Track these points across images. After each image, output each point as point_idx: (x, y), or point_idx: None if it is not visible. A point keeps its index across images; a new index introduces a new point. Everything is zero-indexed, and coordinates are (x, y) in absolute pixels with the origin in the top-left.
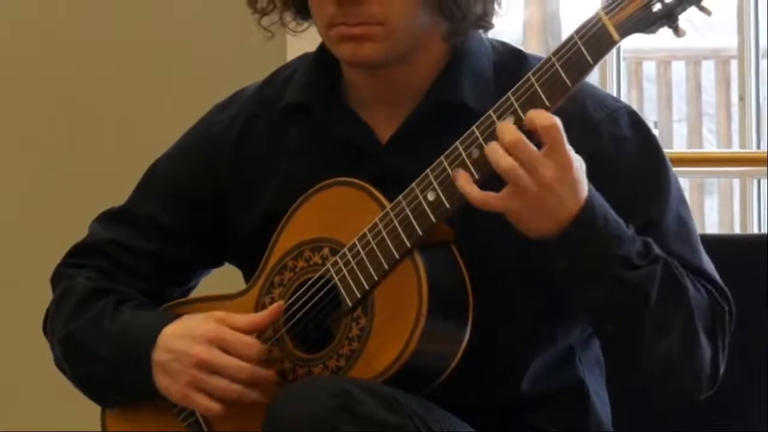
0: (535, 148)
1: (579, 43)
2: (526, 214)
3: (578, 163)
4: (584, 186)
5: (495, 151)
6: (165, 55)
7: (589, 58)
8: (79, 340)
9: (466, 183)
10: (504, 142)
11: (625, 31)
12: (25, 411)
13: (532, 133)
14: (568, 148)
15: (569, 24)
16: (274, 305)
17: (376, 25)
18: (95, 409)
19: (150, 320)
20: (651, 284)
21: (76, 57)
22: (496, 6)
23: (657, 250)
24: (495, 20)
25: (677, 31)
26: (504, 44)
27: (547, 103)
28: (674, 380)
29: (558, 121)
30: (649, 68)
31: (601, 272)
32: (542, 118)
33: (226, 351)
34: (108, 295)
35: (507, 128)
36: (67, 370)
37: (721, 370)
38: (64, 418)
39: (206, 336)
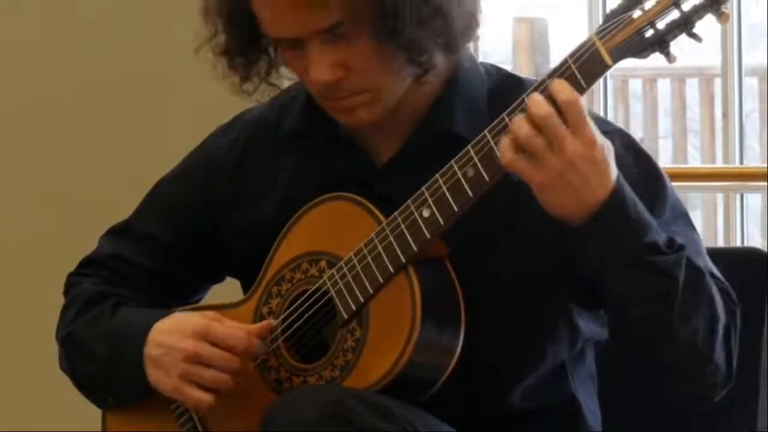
0: (562, 124)
1: (573, 66)
2: (549, 190)
3: (604, 145)
4: (611, 170)
5: (519, 123)
6: (169, 78)
7: (582, 82)
8: (78, 339)
9: (506, 146)
10: (531, 114)
11: (618, 55)
12: (25, 411)
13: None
14: (593, 128)
15: (557, 43)
16: (266, 322)
17: (363, 93)
18: (95, 409)
19: (143, 317)
20: (679, 271)
21: (80, 76)
22: (468, 34)
23: (679, 240)
24: (470, 42)
25: (668, 56)
26: (499, 70)
27: None
28: (694, 373)
29: (579, 97)
30: (635, 85)
31: (631, 258)
32: (564, 92)
33: (214, 344)
34: (109, 298)
35: (537, 101)
36: (68, 371)
37: (733, 372)
38: (64, 418)
39: (195, 330)
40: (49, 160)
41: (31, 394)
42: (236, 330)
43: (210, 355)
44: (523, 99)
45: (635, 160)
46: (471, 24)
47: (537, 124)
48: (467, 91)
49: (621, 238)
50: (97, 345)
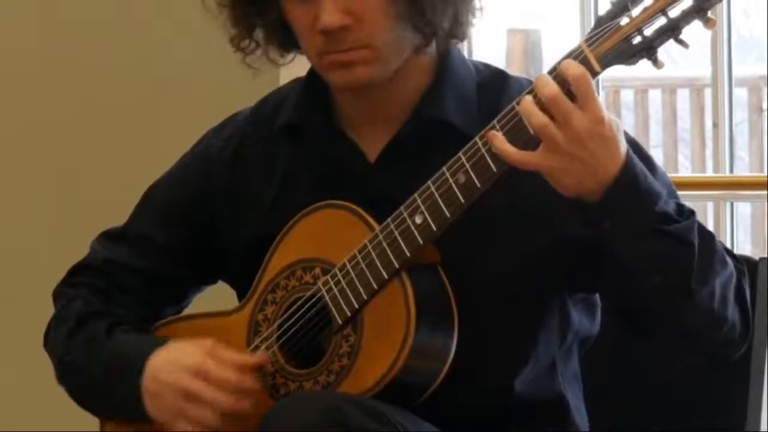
0: (568, 102)
1: None
2: (560, 171)
3: (612, 122)
4: (621, 145)
5: (528, 105)
6: (168, 85)
7: (571, 89)
8: (73, 362)
9: (502, 144)
10: (539, 94)
11: (606, 62)
12: (25, 411)
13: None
14: (601, 105)
15: (550, 54)
16: (263, 354)
17: (363, 49)
18: None
19: (139, 345)
20: (692, 236)
21: (77, 81)
22: (470, 17)
23: (687, 206)
24: (470, 30)
25: (656, 62)
26: (487, 65)
27: (530, 131)
28: (711, 334)
29: (587, 73)
30: (627, 96)
31: (646, 228)
32: (572, 68)
33: (209, 382)
34: (101, 319)
35: (543, 80)
36: (65, 389)
37: (750, 322)
38: (64, 418)
39: (192, 368)
40: (48, 165)
41: (31, 394)
42: (229, 369)
43: (204, 395)
44: (513, 105)
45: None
46: (473, 14)
47: (543, 103)
48: (457, 80)
49: (635, 210)
50: (93, 371)
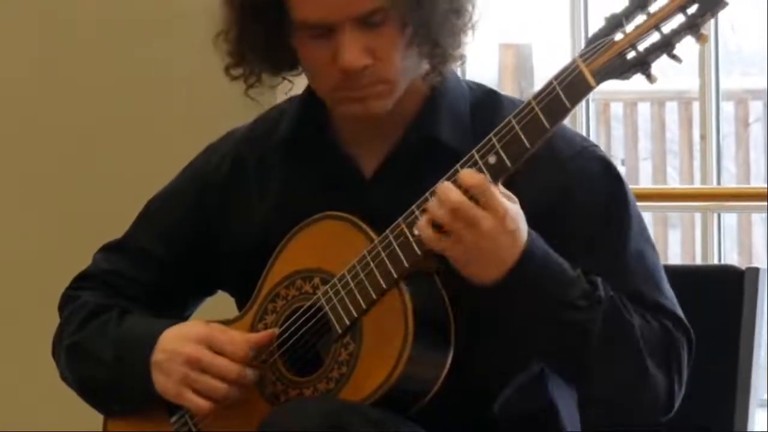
0: (473, 206)
1: (558, 88)
2: (466, 261)
3: (514, 212)
4: (521, 234)
5: (435, 207)
6: (169, 93)
7: (566, 103)
8: (84, 346)
9: (425, 227)
10: (443, 202)
11: (601, 77)
12: (25, 411)
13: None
14: (501, 199)
15: (542, 68)
16: (270, 331)
17: (379, 84)
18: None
19: (151, 325)
20: (593, 324)
21: (79, 97)
22: (467, 38)
23: (601, 290)
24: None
25: (649, 77)
26: (479, 85)
27: (527, 144)
28: (625, 408)
29: (482, 178)
30: (617, 109)
31: (541, 315)
32: (469, 178)
33: (216, 351)
34: (112, 309)
35: (446, 190)
36: (70, 379)
37: (677, 398)
38: (64, 418)
39: (198, 336)
40: (49, 171)
41: (31, 394)
42: (237, 337)
43: (209, 361)
44: (510, 119)
45: (606, 179)
46: (467, 35)
47: (452, 210)
48: (452, 102)
49: (528, 296)
50: (105, 350)
